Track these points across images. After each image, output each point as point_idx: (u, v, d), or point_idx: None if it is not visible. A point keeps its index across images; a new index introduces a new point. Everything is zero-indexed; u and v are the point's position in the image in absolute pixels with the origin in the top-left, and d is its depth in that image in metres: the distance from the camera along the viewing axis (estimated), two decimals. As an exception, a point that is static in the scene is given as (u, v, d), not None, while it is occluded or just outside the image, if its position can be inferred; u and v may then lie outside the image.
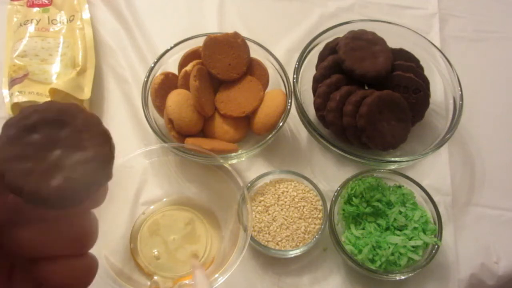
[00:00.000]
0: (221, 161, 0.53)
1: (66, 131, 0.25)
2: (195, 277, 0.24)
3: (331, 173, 0.63)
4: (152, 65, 0.60)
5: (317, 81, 0.61)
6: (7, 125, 0.24)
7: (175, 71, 0.61)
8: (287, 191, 0.57)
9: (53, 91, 0.59)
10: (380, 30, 0.62)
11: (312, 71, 0.62)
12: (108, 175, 0.25)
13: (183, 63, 0.61)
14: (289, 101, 0.58)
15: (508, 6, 0.81)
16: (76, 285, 0.25)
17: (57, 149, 0.24)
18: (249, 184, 0.56)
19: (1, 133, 0.24)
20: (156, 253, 0.52)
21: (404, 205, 0.55)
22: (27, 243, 0.24)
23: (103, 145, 0.25)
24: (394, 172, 0.57)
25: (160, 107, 0.58)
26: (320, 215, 0.55)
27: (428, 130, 0.61)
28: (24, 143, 0.24)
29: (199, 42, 0.60)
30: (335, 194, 0.55)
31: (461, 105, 0.58)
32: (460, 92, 0.59)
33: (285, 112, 0.58)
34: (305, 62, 0.62)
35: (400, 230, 0.54)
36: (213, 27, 0.73)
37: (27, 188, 0.23)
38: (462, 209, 0.61)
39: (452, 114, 0.59)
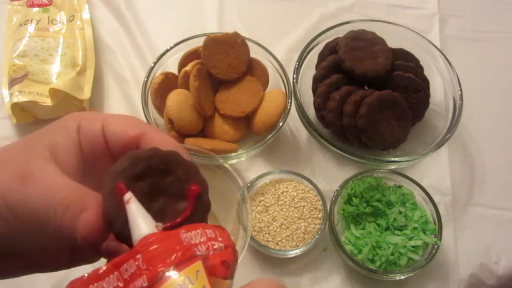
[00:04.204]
0: (221, 161, 0.53)
1: (169, 180, 0.26)
2: (129, 211, 0.25)
3: (331, 173, 0.63)
4: (152, 65, 0.60)
5: (317, 81, 0.61)
6: (113, 174, 0.25)
7: (175, 71, 0.61)
8: (287, 191, 0.57)
9: (53, 91, 0.59)
10: (380, 30, 0.62)
11: (312, 71, 0.62)
12: (205, 222, 0.26)
13: (183, 63, 0.61)
14: (289, 101, 0.58)
15: (508, 6, 0.81)
16: None
17: (161, 198, 0.25)
18: (249, 184, 0.56)
19: (108, 180, 0.25)
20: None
21: (404, 205, 0.55)
22: None
23: (202, 196, 0.26)
24: (394, 172, 0.57)
25: (160, 107, 0.58)
26: (320, 215, 0.55)
27: (428, 130, 0.61)
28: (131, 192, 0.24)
29: (199, 42, 0.60)
30: (335, 194, 0.55)
31: (461, 105, 0.58)
32: (460, 92, 0.59)
33: (285, 112, 0.58)
34: (305, 62, 0.62)
35: (400, 230, 0.54)
36: (213, 27, 0.73)
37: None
38: (462, 209, 0.61)
39: (452, 114, 0.59)
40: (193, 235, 0.23)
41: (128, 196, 0.25)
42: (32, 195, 0.24)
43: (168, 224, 0.25)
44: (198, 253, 0.23)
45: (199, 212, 0.26)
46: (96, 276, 0.22)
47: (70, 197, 0.24)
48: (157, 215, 0.24)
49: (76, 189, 0.25)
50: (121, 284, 0.22)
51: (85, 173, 0.28)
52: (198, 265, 0.22)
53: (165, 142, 0.27)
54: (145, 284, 0.21)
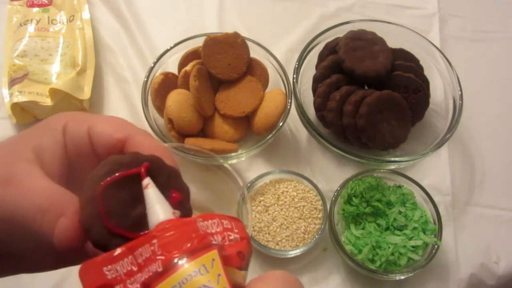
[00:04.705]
0: (221, 161, 0.53)
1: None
2: (147, 197, 0.24)
3: (331, 173, 0.63)
4: (152, 65, 0.60)
5: (317, 81, 0.61)
6: (92, 180, 0.24)
7: (175, 71, 0.61)
8: (287, 191, 0.57)
9: (53, 91, 0.59)
10: (380, 30, 0.62)
11: (312, 71, 0.62)
12: None
13: (183, 63, 0.61)
14: (289, 101, 0.58)
15: (508, 6, 0.81)
16: None
17: (141, 204, 0.24)
18: (249, 184, 0.56)
19: (86, 187, 0.24)
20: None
21: (404, 205, 0.55)
22: None
23: (183, 203, 0.26)
24: (394, 172, 0.57)
25: (160, 107, 0.58)
26: (320, 215, 0.55)
27: (428, 130, 0.61)
28: (109, 200, 0.24)
29: (199, 42, 0.60)
30: (335, 194, 0.55)
31: (461, 105, 0.58)
32: (460, 92, 0.59)
33: (285, 112, 0.58)
34: (305, 62, 0.62)
35: (400, 230, 0.54)
36: (213, 27, 0.73)
37: (110, 248, 0.23)
38: (462, 209, 0.61)
39: (452, 114, 0.59)
40: (210, 224, 0.23)
41: (147, 181, 0.24)
42: (13, 198, 0.24)
43: (146, 232, 0.24)
44: (213, 242, 0.23)
45: None
46: (110, 259, 0.22)
47: (49, 202, 0.24)
48: (135, 223, 0.24)
49: (56, 193, 0.24)
50: (135, 268, 0.22)
51: (70, 175, 0.27)
52: (214, 253, 0.22)
53: (151, 146, 0.27)
54: (159, 270, 0.21)
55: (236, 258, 0.23)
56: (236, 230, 0.24)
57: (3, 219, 0.24)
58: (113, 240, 0.23)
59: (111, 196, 0.24)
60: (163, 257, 0.21)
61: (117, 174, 0.24)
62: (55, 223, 0.24)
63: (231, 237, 0.24)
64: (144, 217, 0.24)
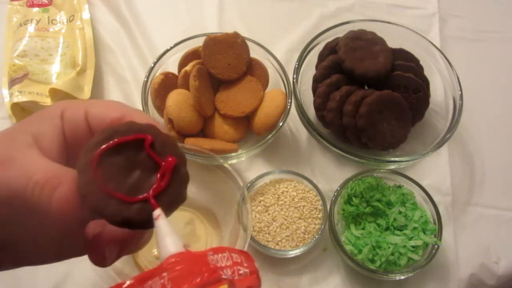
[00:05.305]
0: (221, 161, 0.53)
1: (145, 153, 0.25)
2: (158, 228, 0.25)
3: (331, 173, 0.63)
4: (152, 65, 0.60)
5: (317, 81, 0.61)
6: (88, 147, 0.24)
7: (175, 71, 0.61)
8: (287, 191, 0.57)
9: (53, 91, 0.59)
10: (380, 30, 0.62)
11: (312, 71, 0.62)
12: (184, 196, 0.26)
13: (183, 63, 0.61)
14: (289, 101, 0.58)
15: (508, 6, 0.81)
16: None
17: (137, 171, 0.25)
18: (249, 184, 0.56)
19: (83, 154, 0.24)
20: (156, 253, 0.52)
21: (404, 205, 0.55)
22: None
23: (179, 168, 0.26)
24: (394, 172, 0.57)
25: (160, 107, 0.58)
26: (320, 215, 0.55)
27: (428, 130, 0.61)
28: (106, 166, 0.24)
29: (199, 42, 0.60)
30: (335, 194, 0.55)
31: (461, 105, 0.58)
32: (460, 92, 0.59)
33: (285, 112, 0.58)
34: (305, 62, 0.62)
35: (400, 230, 0.54)
36: (213, 27, 0.73)
37: (108, 211, 0.23)
38: (462, 209, 0.61)
39: (452, 114, 0.59)
40: (220, 258, 0.24)
41: (157, 212, 0.24)
42: (12, 176, 0.25)
43: (145, 194, 0.24)
44: (224, 276, 0.23)
45: (176, 184, 0.26)
46: None
47: (47, 175, 0.25)
48: (132, 188, 0.24)
49: (54, 168, 0.25)
50: None
51: (69, 158, 0.28)
52: None
53: (146, 120, 0.28)
54: None
55: None
56: (245, 264, 0.24)
57: (2, 200, 0.25)
58: (110, 204, 0.24)
59: (107, 162, 0.24)
60: None
61: (111, 142, 0.24)
62: (53, 193, 0.24)
63: (240, 272, 0.24)
64: (141, 183, 0.25)
